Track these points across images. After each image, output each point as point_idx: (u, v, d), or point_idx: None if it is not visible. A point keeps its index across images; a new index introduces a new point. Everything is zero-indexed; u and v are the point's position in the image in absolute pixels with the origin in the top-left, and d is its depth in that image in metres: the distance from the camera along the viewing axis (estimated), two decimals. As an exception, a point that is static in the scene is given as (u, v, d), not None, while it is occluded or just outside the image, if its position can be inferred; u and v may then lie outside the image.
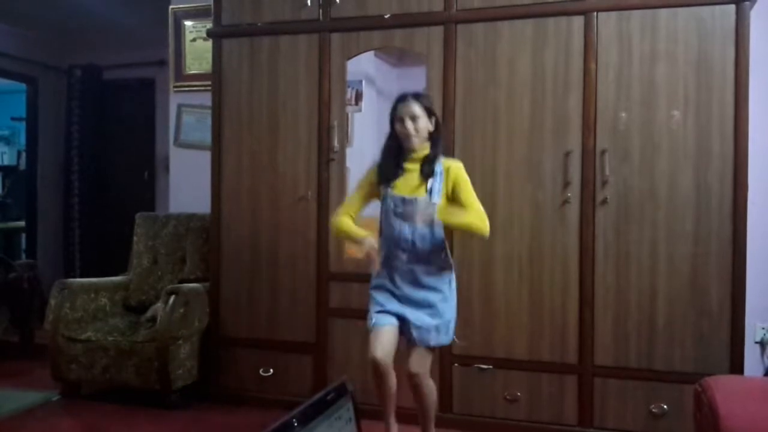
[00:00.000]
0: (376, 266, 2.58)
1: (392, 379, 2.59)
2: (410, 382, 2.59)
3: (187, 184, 4.40)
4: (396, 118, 2.57)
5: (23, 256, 6.39)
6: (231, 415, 3.39)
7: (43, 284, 4.73)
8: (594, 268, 3.02)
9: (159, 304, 3.56)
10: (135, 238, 4.14)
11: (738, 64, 2.86)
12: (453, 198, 2.55)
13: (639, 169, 2.98)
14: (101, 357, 3.49)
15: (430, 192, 2.53)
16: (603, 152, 3.00)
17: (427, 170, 2.54)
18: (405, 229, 2.54)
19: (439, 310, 2.55)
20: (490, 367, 3.16)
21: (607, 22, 3.01)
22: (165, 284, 3.82)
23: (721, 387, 1.85)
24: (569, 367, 3.06)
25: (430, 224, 2.52)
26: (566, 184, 3.05)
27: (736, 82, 2.86)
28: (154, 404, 3.45)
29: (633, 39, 2.98)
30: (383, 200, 2.62)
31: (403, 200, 2.54)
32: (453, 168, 2.56)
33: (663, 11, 2.94)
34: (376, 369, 2.53)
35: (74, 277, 5.37)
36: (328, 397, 0.96)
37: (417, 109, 2.53)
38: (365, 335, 3.29)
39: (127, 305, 3.97)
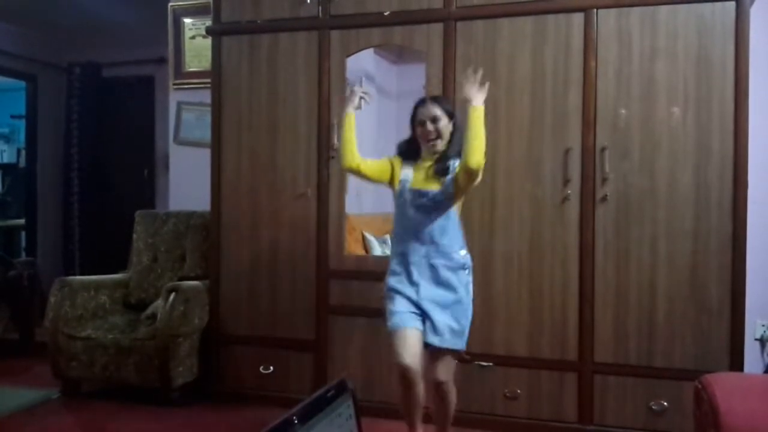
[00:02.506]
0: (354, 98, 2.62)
1: (421, 387, 2.51)
2: (437, 390, 2.55)
3: (187, 181, 4.40)
4: (417, 121, 2.57)
5: (23, 254, 6.38)
6: (231, 413, 3.39)
7: (42, 282, 4.73)
8: (594, 266, 3.02)
9: (159, 302, 3.56)
10: (135, 236, 4.13)
11: (738, 61, 2.86)
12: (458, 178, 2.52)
13: (639, 166, 2.98)
14: (101, 355, 3.49)
15: (444, 184, 2.51)
16: (603, 149, 3.00)
17: (441, 166, 2.52)
18: (423, 221, 2.51)
19: (456, 314, 2.51)
20: (490, 364, 3.16)
21: (606, 19, 3.00)
22: (165, 282, 3.82)
23: (721, 384, 1.85)
24: (569, 364, 3.06)
25: (446, 214, 2.50)
26: (566, 182, 3.05)
27: (736, 79, 2.86)
28: (154, 402, 3.45)
29: (633, 36, 2.98)
30: (399, 195, 2.59)
31: (420, 192, 2.53)
32: None
33: (663, 8, 2.94)
34: (405, 376, 2.44)
35: (74, 274, 5.35)
36: (328, 395, 0.96)
37: (437, 111, 2.53)
38: (365, 332, 3.31)
39: (127, 303, 3.97)
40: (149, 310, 3.70)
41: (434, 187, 2.52)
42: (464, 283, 2.55)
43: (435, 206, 2.51)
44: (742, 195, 2.86)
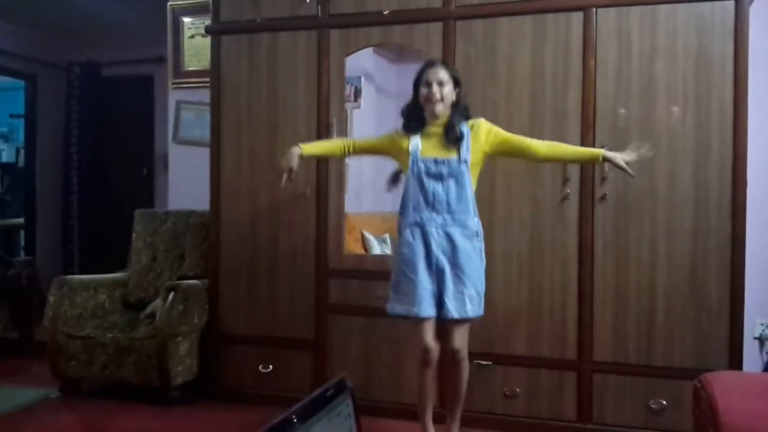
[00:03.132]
0: (281, 184, 2.66)
1: (433, 376, 2.67)
2: (453, 359, 2.61)
3: (186, 180, 4.40)
4: (423, 82, 2.59)
5: (22, 253, 6.38)
6: (230, 412, 3.39)
7: (42, 281, 4.73)
8: (593, 265, 3.02)
9: (158, 301, 3.56)
10: (134, 235, 4.13)
11: (737, 60, 2.86)
12: (499, 149, 2.63)
13: (638, 165, 2.96)
14: (100, 354, 3.49)
15: (459, 152, 2.56)
16: (602, 148, 2.99)
17: (453, 135, 2.56)
18: (439, 189, 2.54)
19: (473, 280, 2.54)
20: (490, 363, 3.16)
21: (606, 18, 3.00)
22: (164, 281, 3.81)
23: (720, 383, 1.86)
24: (568, 363, 3.06)
25: (462, 181, 2.55)
26: (565, 181, 3.05)
27: (735, 79, 2.86)
28: (153, 401, 3.45)
29: (632, 35, 2.98)
30: (412, 165, 2.60)
31: (435, 161, 2.56)
32: (479, 124, 2.61)
33: (662, 7, 2.94)
34: (426, 355, 2.57)
35: (73, 274, 5.35)
36: (328, 394, 0.96)
37: (445, 75, 2.56)
38: (365, 331, 3.32)
39: (127, 302, 3.97)
40: (148, 309, 3.70)
41: (451, 155, 2.56)
42: (479, 249, 2.61)
43: (453, 174, 2.55)
44: (741, 194, 2.86)
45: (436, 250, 2.54)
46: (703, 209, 2.90)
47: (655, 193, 2.95)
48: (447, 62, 2.67)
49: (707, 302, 2.90)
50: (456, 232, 2.54)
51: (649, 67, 2.96)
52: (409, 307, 2.53)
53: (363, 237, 3.86)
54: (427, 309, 2.51)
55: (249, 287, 3.54)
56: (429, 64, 2.62)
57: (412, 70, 2.74)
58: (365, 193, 4.03)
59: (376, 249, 3.81)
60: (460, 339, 2.59)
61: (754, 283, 3.06)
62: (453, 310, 2.50)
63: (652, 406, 2.95)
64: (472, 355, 3.14)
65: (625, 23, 2.98)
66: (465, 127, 2.59)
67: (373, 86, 4.07)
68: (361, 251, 3.75)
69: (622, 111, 2.99)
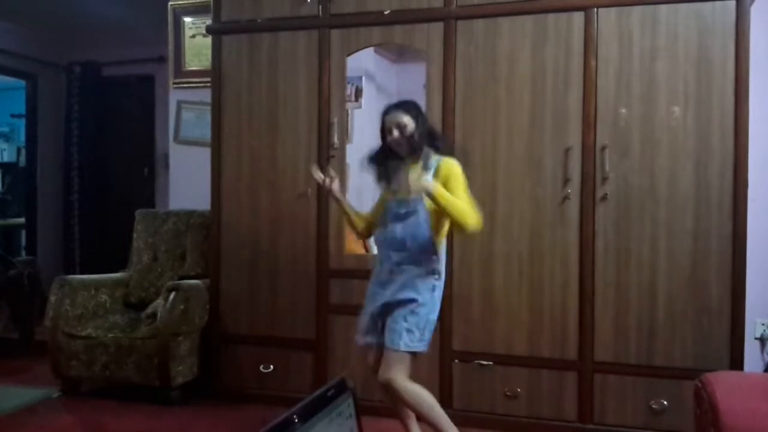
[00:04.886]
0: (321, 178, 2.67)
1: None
2: (385, 391, 2.54)
3: (187, 180, 4.40)
4: (385, 130, 2.58)
5: (23, 253, 6.39)
6: (231, 412, 3.39)
7: (42, 281, 4.72)
8: (594, 265, 3.02)
9: (159, 301, 3.56)
10: (135, 235, 4.13)
11: (738, 61, 2.86)
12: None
13: (639, 165, 2.98)
14: (101, 354, 3.49)
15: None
16: (603, 148, 3.00)
17: (425, 163, 2.50)
18: (397, 230, 2.51)
19: (416, 313, 2.46)
20: (490, 363, 3.16)
21: (607, 18, 3.00)
22: (165, 281, 3.82)
23: (721, 383, 1.85)
24: (569, 363, 3.06)
25: (420, 219, 2.48)
26: (566, 181, 3.05)
27: (736, 79, 2.86)
28: (154, 401, 3.45)
29: (633, 35, 2.98)
30: (385, 210, 2.60)
31: (400, 203, 2.51)
32: (445, 164, 2.50)
33: (663, 7, 2.94)
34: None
35: (74, 273, 5.36)
36: (329, 394, 0.96)
37: (404, 118, 2.53)
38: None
39: (127, 302, 3.97)
40: (149, 309, 3.70)
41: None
42: (431, 287, 2.50)
43: (412, 215, 2.50)
44: (742, 194, 2.86)
45: (389, 285, 2.57)
46: (703, 209, 2.90)
47: (655, 193, 2.95)
48: (404, 103, 2.58)
49: (708, 302, 2.90)
50: (408, 270, 2.50)
51: (650, 66, 2.96)
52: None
53: (364, 237, 3.85)
54: (370, 338, 2.64)
55: (250, 287, 3.54)
56: (385, 111, 2.59)
57: (413, 70, 2.75)
58: (367, 193, 4.02)
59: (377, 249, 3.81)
60: (383, 368, 2.49)
61: (755, 283, 3.06)
62: (384, 339, 2.51)
63: (653, 406, 2.95)
64: (472, 355, 3.15)
65: (626, 23, 2.98)
66: (435, 162, 2.51)
67: (374, 86, 4.07)
68: (362, 251, 3.74)
69: (623, 111, 2.99)
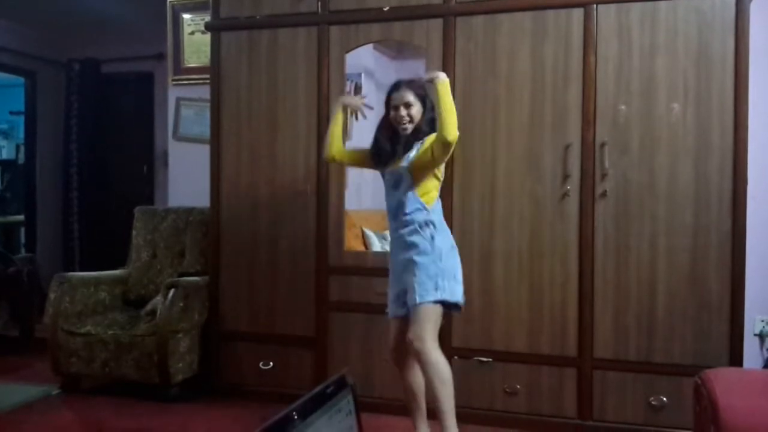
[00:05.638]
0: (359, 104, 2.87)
1: (409, 376, 2.70)
2: (414, 356, 2.58)
3: (186, 177, 4.40)
4: (390, 106, 2.66)
5: (22, 250, 6.39)
6: (231, 409, 3.40)
7: (42, 278, 4.73)
8: (593, 261, 3.02)
9: (158, 298, 3.56)
10: (134, 232, 4.13)
11: (738, 57, 2.85)
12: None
13: (639, 162, 2.97)
14: (101, 351, 3.49)
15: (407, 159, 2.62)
16: (602, 145, 3.00)
17: (407, 145, 2.63)
18: (392, 199, 2.66)
19: (420, 265, 2.53)
20: (490, 359, 3.16)
21: (606, 15, 3.00)
22: (164, 278, 3.82)
23: (721, 379, 1.85)
24: (569, 360, 3.06)
25: (405, 184, 2.60)
26: (566, 177, 3.05)
27: (736, 75, 2.86)
28: (153, 398, 3.45)
29: (633, 31, 2.97)
30: (385, 188, 2.75)
31: (391, 173, 2.67)
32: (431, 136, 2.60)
33: (663, 3, 2.93)
34: (395, 365, 2.75)
35: (73, 270, 5.35)
36: (328, 390, 0.96)
37: (410, 96, 2.61)
38: (365, 328, 3.32)
39: (127, 299, 3.97)
40: (149, 306, 3.70)
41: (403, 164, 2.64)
42: (428, 236, 2.57)
43: (400, 181, 2.62)
44: (741, 190, 2.86)
45: (397, 252, 2.72)
46: (703, 206, 2.90)
47: (655, 190, 2.95)
48: (412, 81, 2.65)
49: (707, 299, 2.90)
50: (405, 232, 2.62)
51: (649, 63, 2.95)
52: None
53: (363, 234, 3.85)
54: (390, 311, 2.77)
55: (249, 284, 3.54)
56: (394, 88, 2.67)
57: (412, 66, 2.75)
58: (366, 189, 4.02)
59: (377, 246, 3.80)
60: (411, 329, 2.53)
61: (755, 280, 3.06)
62: (407, 301, 2.62)
63: (653, 402, 2.95)
64: (472, 351, 3.15)
65: (625, 19, 2.98)
66: (421, 142, 2.63)
67: (374, 82, 4.06)
68: (362, 248, 3.74)
69: (623, 107, 2.98)
